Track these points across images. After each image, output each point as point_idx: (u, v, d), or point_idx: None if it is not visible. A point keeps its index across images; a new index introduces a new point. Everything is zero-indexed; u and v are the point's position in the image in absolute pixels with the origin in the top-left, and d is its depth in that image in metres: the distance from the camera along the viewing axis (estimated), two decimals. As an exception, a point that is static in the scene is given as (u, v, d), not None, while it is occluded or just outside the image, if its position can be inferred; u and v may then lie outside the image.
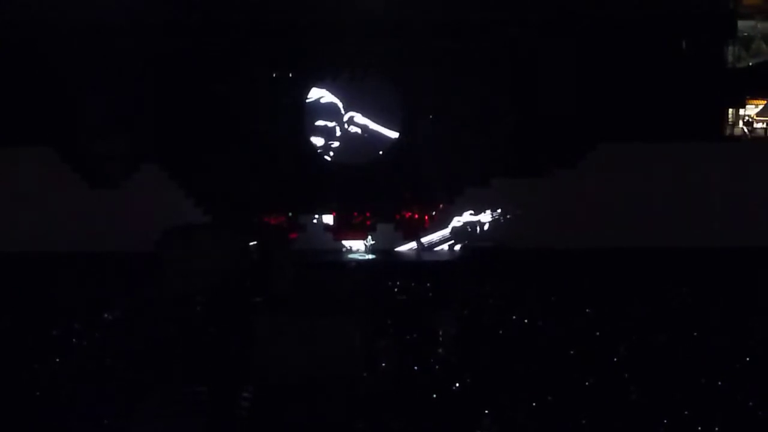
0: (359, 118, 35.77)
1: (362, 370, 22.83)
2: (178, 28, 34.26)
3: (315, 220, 36.25)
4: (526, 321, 26.93)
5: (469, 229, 36.26)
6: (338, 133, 35.96)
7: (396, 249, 36.51)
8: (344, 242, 36.45)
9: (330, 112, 35.80)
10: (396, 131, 35.78)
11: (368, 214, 35.87)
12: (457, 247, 36.34)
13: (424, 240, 36.40)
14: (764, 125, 38.61)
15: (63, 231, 34.31)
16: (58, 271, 31.22)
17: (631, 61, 34.74)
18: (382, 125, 35.84)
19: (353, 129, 35.90)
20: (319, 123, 35.87)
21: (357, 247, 36.52)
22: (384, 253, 36.29)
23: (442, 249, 36.40)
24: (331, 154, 36.01)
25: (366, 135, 35.90)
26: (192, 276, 28.66)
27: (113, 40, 34.16)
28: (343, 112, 35.82)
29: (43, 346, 25.19)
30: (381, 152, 35.84)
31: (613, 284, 29.88)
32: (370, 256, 36.17)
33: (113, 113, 34.37)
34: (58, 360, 24.33)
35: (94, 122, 34.45)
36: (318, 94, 35.82)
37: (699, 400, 21.07)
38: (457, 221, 36.33)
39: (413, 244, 36.48)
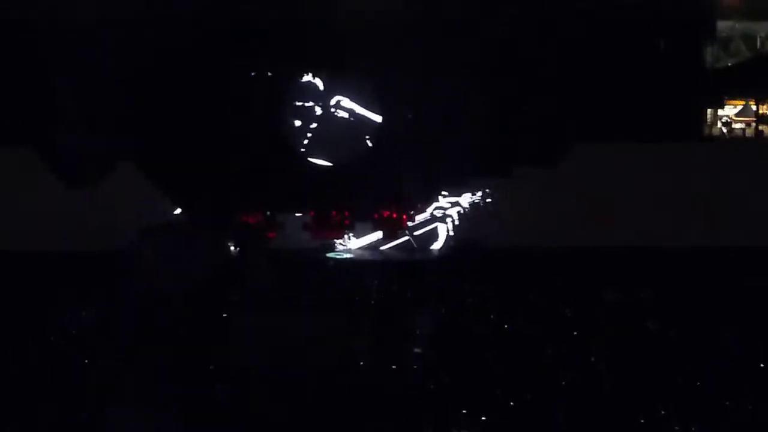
0: (346, 102, 35.44)
1: (338, 369, 22.70)
2: (154, 25, 34.01)
3: (293, 219, 36.05)
4: (504, 320, 26.88)
5: (447, 225, 36.23)
6: (323, 120, 35.56)
7: (374, 247, 36.39)
8: (322, 241, 36.29)
9: (313, 101, 35.50)
10: (379, 123, 35.56)
11: (346, 213, 35.73)
12: (435, 246, 36.28)
13: (402, 234, 36.35)
14: (743, 126, 38.74)
15: (36, 229, 33.99)
16: (32, 270, 31.05)
17: (609, 61, 34.70)
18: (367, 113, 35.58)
19: (340, 113, 35.60)
20: (301, 114, 35.54)
21: (335, 245, 36.41)
22: (362, 251, 36.20)
23: (419, 247, 36.31)
24: (316, 141, 35.64)
25: (353, 119, 35.56)
26: (167, 275, 28.52)
27: (88, 37, 33.91)
28: (327, 100, 35.47)
29: (16, 345, 24.96)
30: (368, 137, 35.53)
31: (592, 284, 29.89)
32: (348, 255, 36.06)
33: (88, 111, 34.10)
34: (31, 359, 24.12)
35: (69, 120, 34.17)
36: (299, 87, 35.52)
37: (677, 401, 21.05)
38: (434, 212, 36.35)
39: (391, 242, 36.39)
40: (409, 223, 36.35)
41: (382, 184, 35.68)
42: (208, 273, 29.62)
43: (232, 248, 34.63)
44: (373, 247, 36.47)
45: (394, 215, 36.05)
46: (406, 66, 34.54)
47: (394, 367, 23.53)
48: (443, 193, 36.30)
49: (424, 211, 36.44)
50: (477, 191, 36.10)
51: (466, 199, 36.29)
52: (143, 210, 33.30)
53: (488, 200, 36.10)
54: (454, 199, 36.33)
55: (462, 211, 36.34)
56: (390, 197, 35.95)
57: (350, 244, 36.40)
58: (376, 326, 26.24)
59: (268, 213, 35.77)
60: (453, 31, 34.42)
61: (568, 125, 34.71)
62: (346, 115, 35.61)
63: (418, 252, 36.13)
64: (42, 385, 22.32)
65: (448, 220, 36.37)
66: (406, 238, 36.47)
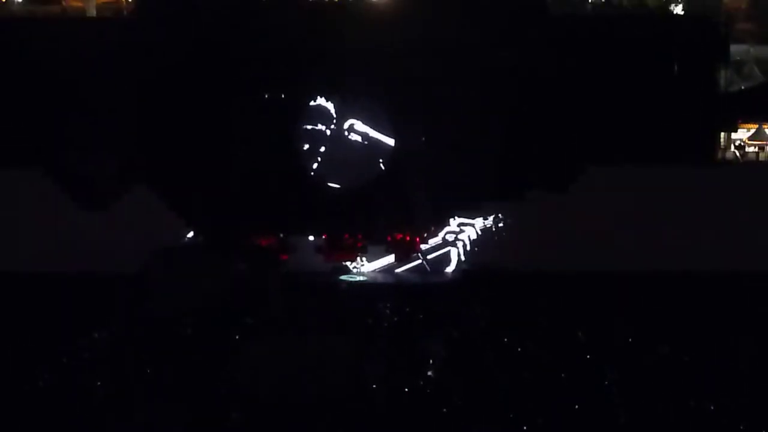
0: (359, 125, 35.57)
1: (352, 391, 22.71)
2: (168, 52, 34.26)
3: (306, 241, 36.09)
4: (516, 343, 26.83)
5: (459, 249, 36.25)
6: (336, 143, 35.65)
7: (387, 270, 36.40)
8: (335, 263, 36.28)
9: (326, 124, 35.61)
10: (392, 147, 35.69)
11: (359, 236, 35.77)
12: (448, 270, 36.26)
13: (415, 258, 36.37)
14: (756, 149, 38.67)
15: (54, 251, 34.11)
16: (48, 291, 31.13)
17: (624, 85, 34.73)
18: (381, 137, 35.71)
19: (353, 137, 35.69)
20: (314, 137, 35.64)
21: (348, 268, 36.40)
22: (375, 274, 36.22)
23: (432, 271, 36.30)
24: (329, 164, 35.68)
25: (366, 143, 35.65)
26: (182, 297, 28.59)
27: (104, 64, 34.19)
28: (340, 123, 35.56)
29: (31, 364, 25.03)
30: (381, 161, 35.66)
31: (603, 307, 29.78)
32: (361, 278, 36.06)
33: (104, 135, 34.29)
34: (47, 377, 24.19)
35: (85, 144, 34.35)
36: (313, 112, 35.67)
37: (687, 421, 21.00)
38: (444, 236, 36.40)
39: (404, 265, 36.40)
40: (423, 246, 36.36)
41: (395, 206, 35.72)
42: (220, 295, 29.67)
43: (245, 270, 34.71)
44: (387, 270, 36.47)
45: (407, 238, 36.08)
46: (419, 90, 34.67)
47: (406, 389, 23.53)
48: (455, 217, 36.30)
49: (436, 234, 36.43)
50: (489, 215, 36.09)
51: (478, 224, 36.28)
52: (157, 232, 33.44)
53: (500, 224, 36.07)
54: (466, 223, 36.32)
55: (474, 235, 36.31)
56: (403, 220, 35.98)
57: (363, 267, 36.42)
58: (389, 349, 26.23)
59: (282, 235, 35.88)
60: (466, 57, 34.53)
61: (581, 149, 34.72)
62: (359, 138, 35.74)
63: (431, 275, 36.08)
64: (54, 404, 22.39)
65: (460, 244, 36.35)
66: (420, 261, 36.46)
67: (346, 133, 35.38)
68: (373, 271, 36.37)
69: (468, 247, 36.20)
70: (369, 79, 34.53)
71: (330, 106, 35.37)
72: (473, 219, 36.19)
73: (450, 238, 36.35)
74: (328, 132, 35.49)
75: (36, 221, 34.72)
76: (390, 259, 36.25)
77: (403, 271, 36.41)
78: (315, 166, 35.67)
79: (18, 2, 37.86)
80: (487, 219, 36.10)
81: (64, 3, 38.32)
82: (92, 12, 37.78)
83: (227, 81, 34.53)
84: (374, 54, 34.23)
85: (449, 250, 36.30)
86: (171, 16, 34.50)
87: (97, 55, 34.09)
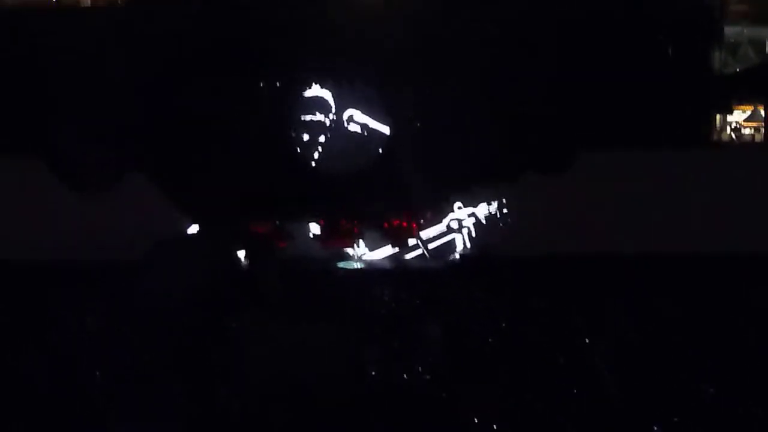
0: (359, 116, 35.50)
1: (350, 379, 22.68)
2: (163, 40, 34.20)
3: (303, 228, 36.06)
4: (515, 329, 26.82)
5: (458, 235, 36.20)
6: (335, 134, 35.60)
7: (385, 257, 36.38)
8: (332, 250, 36.26)
9: (323, 113, 35.53)
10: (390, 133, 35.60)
11: (356, 222, 35.73)
12: (446, 255, 36.24)
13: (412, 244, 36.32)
14: (752, 131, 38.73)
15: (46, 239, 34.08)
16: (40, 279, 31.07)
17: (618, 67, 34.71)
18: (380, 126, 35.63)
19: (353, 127, 35.62)
20: (311, 126, 35.57)
21: (346, 254, 36.39)
22: (372, 260, 36.20)
23: (430, 256, 36.28)
24: (328, 154, 35.62)
25: (366, 133, 35.58)
26: (177, 285, 28.53)
27: (97, 49, 34.12)
28: (337, 111, 35.48)
29: (25, 352, 24.97)
30: (381, 151, 35.59)
31: (603, 291, 29.77)
32: (358, 264, 36.04)
33: (97, 121, 34.22)
34: (40, 367, 24.12)
35: (79, 130, 34.26)
36: (309, 97, 35.57)
37: (688, 407, 21.01)
38: (447, 223, 36.34)
39: (402, 251, 36.37)
40: (422, 234, 36.28)
41: (393, 193, 35.68)
42: (218, 282, 29.63)
43: (242, 258, 34.71)
44: (386, 257, 36.45)
45: (404, 224, 36.04)
46: (415, 76, 34.61)
47: (405, 376, 23.51)
48: (458, 203, 36.25)
49: (437, 221, 36.32)
50: (491, 202, 36.01)
51: (481, 210, 36.18)
52: (152, 221, 33.44)
53: (504, 210, 35.99)
54: (468, 210, 36.26)
55: (476, 222, 36.25)
56: (400, 206, 35.93)
57: (362, 254, 36.41)
58: (386, 335, 26.21)
59: (278, 222, 35.82)
60: (462, 41, 34.48)
61: (577, 132, 34.71)
62: (358, 128, 35.62)
63: (431, 262, 36.05)
64: (49, 393, 22.35)
65: (464, 231, 36.28)
66: (420, 250, 36.39)
67: (345, 124, 35.31)
68: (372, 257, 36.35)
69: (473, 234, 36.16)
70: (366, 65, 34.52)
71: (326, 93, 35.32)
72: (476, 205, 36.14)
73: (454, 225, 36.31)
74: (325, 120, 35.44)
75: (30, 210, 34.71)
76: (389, 246, 36.23)
77: (402, 257, 36.38)
78: (311, 153, 35.63)
79: (11, -9, 37.68)
80: (491, 204, 36.06)
81: (58, -8, 38.17)
82: (86, 2, 37.62)
83: (224, 69, 34.46)
84: (370, 41, 34.23)
85: (453, 238, 36.27)
86: (164, 5, 34.45)
87: (92, 44, 34.03)
